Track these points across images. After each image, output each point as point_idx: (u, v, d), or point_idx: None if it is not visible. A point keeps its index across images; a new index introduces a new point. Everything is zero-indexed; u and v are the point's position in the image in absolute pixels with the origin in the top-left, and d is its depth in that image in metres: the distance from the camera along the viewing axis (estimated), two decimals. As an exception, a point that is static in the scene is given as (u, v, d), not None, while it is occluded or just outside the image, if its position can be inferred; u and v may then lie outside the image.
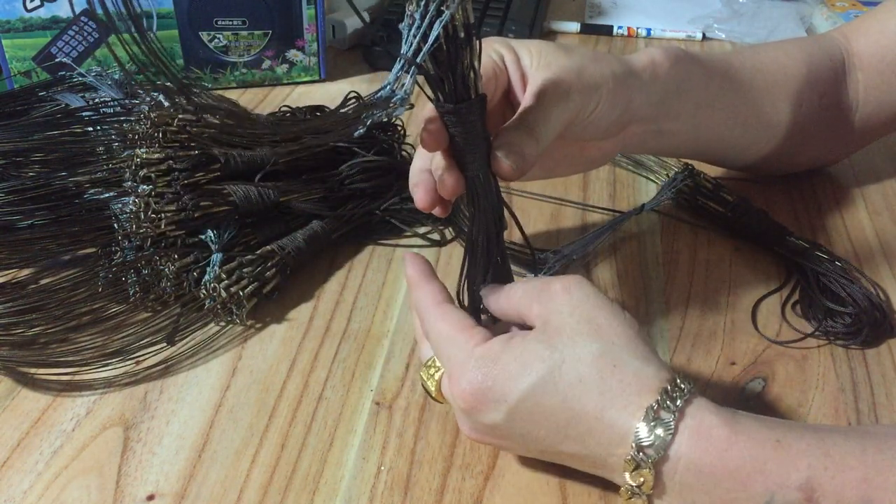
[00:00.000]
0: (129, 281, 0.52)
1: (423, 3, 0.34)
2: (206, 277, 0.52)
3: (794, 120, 0.59)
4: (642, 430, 0.35)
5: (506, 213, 0.43)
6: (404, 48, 0.35)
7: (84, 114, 0.65)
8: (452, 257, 0.59)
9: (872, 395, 0.47)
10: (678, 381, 0.36)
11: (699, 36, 1.00)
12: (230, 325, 0.52)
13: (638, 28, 1.01)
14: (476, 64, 0.37)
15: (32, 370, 0.48)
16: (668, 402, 0.35)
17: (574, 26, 1.02)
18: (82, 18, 0.75)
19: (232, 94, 0.80)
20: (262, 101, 0.81)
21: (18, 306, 0.51)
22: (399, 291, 0.55)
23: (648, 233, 0.61)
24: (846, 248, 0.60)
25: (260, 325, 0.52)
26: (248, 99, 0.81)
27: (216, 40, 0.80)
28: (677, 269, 0.57)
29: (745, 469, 0.34)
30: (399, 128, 0.66)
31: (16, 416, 0.45)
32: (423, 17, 0.34)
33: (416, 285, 0.43)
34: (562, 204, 0.65)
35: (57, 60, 0.76)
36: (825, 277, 0.54)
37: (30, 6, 0.73)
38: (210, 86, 0.81)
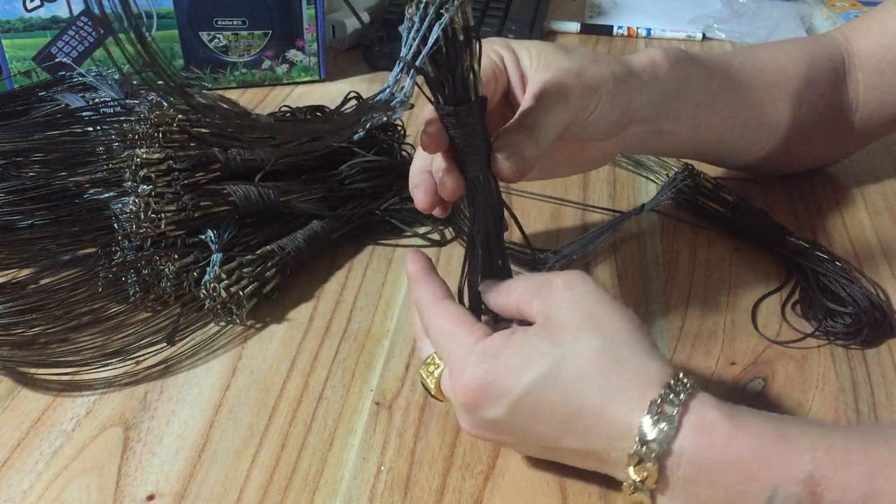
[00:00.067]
0: (129, 281, 0.52)
1: (422, 7, 0.34)
2: (206, 277, 0.52)
3: (794, 120, 0.59)
4: (646, 423, 0.35)
5: (506, 213, 0.43)
6: (404, 51, 0.35)
7: (84, 114, 0.65)
8: (452, 257, 0.59)
9: (872, 395, 0.47)
10: (681, 375, 0.36)
11: (699, 36, 1.00)
12: (230, 325, 0.52)
13: (638, 28, 1.01)
14: (476, 66, 0.37)
15: (32, 370, 0.48)
16: (671, 397, 0.35)
17: (574, 26, 1.02)
18: (82, 18, 0.75)
19: (232, 94, 0.80)
20: (262, 101, 0.81)
21: (18, 306, 0.51)
22: (399, 291, 0.55)
23: (648, 233, 0.61)
24: (846, 248, 0.60)
25: (260, 325, 0.52)
26: (248, 99, 0.81)
27: (216, 40, 0.80)
28: (677, 269, 0.57)
29: (749, 463, 0.34)
30: (399, 128, 0.66)
31: (16, 416, 0.45)
32: (422, 20, 0.34)
33: (416, 282, 0.43)
34: (562, 204, 0.65)
35: (57, 60, 0.76)
36: (825, 277, 0.54)
37: (30, 6, 0.73)
38: (210, 86, 0.81)
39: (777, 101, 0.58)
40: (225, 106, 0.59)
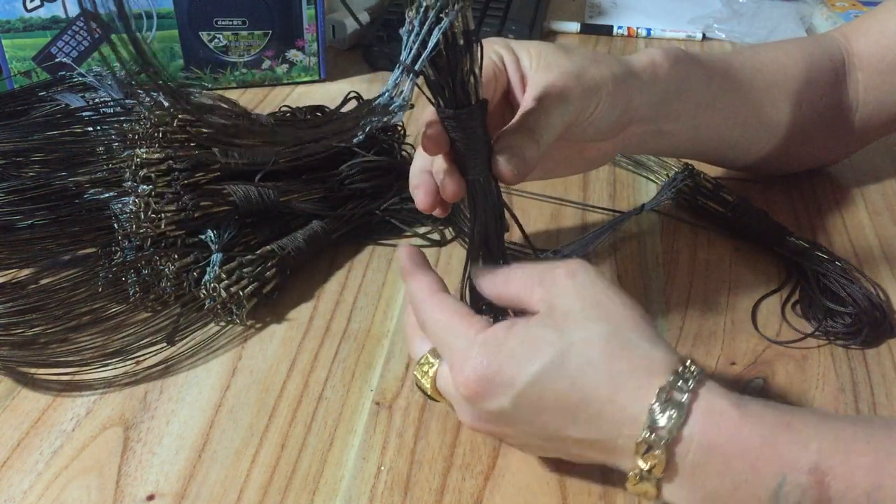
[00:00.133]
0: (129, 281, 0.52)
1: (422, 10, 0.34)
2: (206, 277, 0.52)
3: (794, 120, 0.59)
4: (656, 410, 0.34)
5: (506, 213, 0.43)
6: (404, 54, 0.35)
7: (84, 114, 0.65)
8: (452, 257, 0.59)
9: (872, 395, 0.47)
10: (688, 363, 0.36)
11: (699, 36, 1.00)
12: (230, 325, 0.52)
13: (638, 28, 1.01)
14: (477, 70, 0.37)
15: (32, 370, 0.48)
16: (679, 384, 0.35)
17: (574, 26, 1.02)
18: (82, 18, 0.75)
19: (232, 94, 0.80)
20: (262, 101, 0.81)
21: (18, 306, 0.51)
22: (399, 291, 0.55)
23: (648, 233, 0.61)
24: (846, 248, 0.60)
25: (260, 325, 0.52)
26: (248, 99, 0.81)
27: (216, 40, 0.80)
28: (677, 269, 0.57)
29: (757, 451, 0.34)
30: (399, 128, 0.66)
31: (16, 416, 0.45)
32: (422, 24, 0.34)
33: (410, 276, 0.42)
34: (562, 204, 0.65)
35: (57, 60, 0.76)
36: (825, 277, 0.54)
37: (30, 6, 0.73)
38: (210, 86, 0.81)
39: (777, 101, 0.58)
40: (225, 105, 0.59)
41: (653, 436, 0.34)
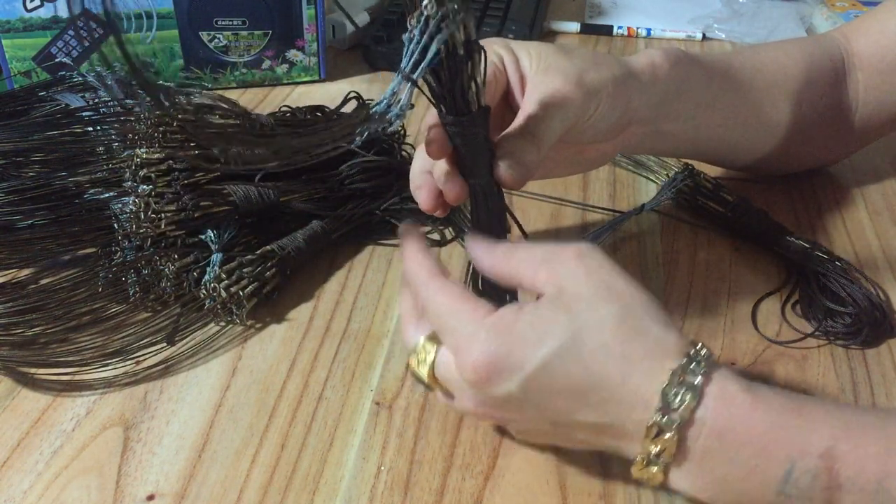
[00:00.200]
0: (129, 281, 0.52)
1: (423, 19, 0.34)
2: (206, 277, 0.52)
3: (794, 120, 0.59)
4: (669, 393, 0.34)
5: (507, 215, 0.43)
6: (404, 62, 0.35)
7: (84, 114, 0.65)
8: (452, 257, 0.59)
9: (872, 395, 0.47)
10: (699, 346, 0.36)
11: (699, 36, 1.00)
12: (230, 325, 0.52)
13: (638, 28, 1.01)
14: (479, 79, 0.37)
15: (32, 370, 0.48)
16: (692, 367, 0.35)
17: (574, 26, 1.02)
18: (82, 18, 0.75)
19: (232, 94, 0.80)
20: (262, 101, 0.81)
21: (18, 306, 0.51)
22: (399, 291, 0.55)
23: (648, 233, 0.61)
24: (846, 248, 0.60)
25: (260, 325, 0.52)
26: (248, 99, 0.81)
27: (216, 40, 0.80)
28: (677, 269, 0.57)
29: (768, 435, 0.34)
30: (399, 128, 0.66)
31: (16, 416, 0.45)
32: (422, 33, 0.34)
33: (411, 257, 0.41)
34: (562, 204, 0.65)
35: (57, 60, 0.76)
36: (825, 277, 0.54)
37: (30, 6, 0.73)
38: (210, 86, 0.81)
39: (777, 102, 0.58)
40: (225, 105, 0.59)
41: (664, 419, 0.34)
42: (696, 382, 0.34)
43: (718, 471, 0.35)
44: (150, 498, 0.41)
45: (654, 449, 0.35)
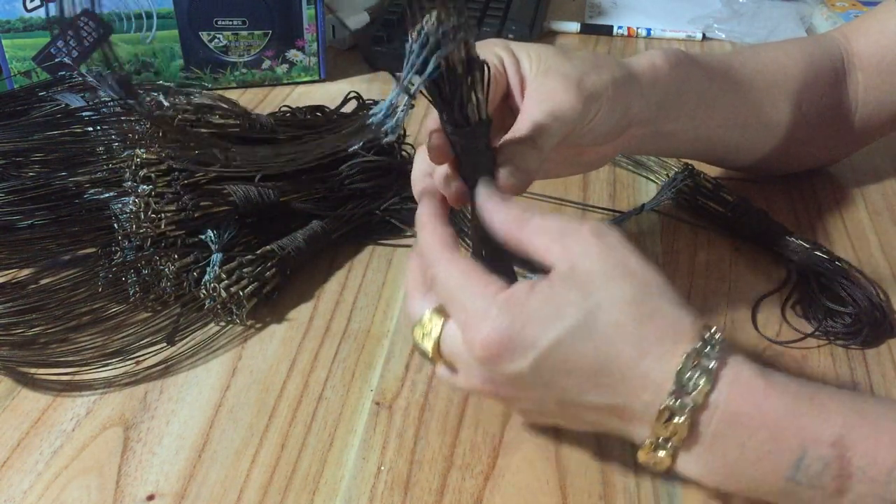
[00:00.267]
0: (129, 281, 0.52)
1: (422, 35, 0.34)
2: (206, 277, 0.52)
3: (795, 120, 0.59)
4: (683, 376, 0.34)
5: None
6: (403, 75, 0.35)
7: (84, 114, 0.65)
8: (452, 257, 0.59)
9: (872, 396, 0.47)
10: (713, 330, 0.35)
11: (699, 36, 1.00)
12: (230, 325, 0.52)
13: (638, 28, 1.01)
14: (479, 95, 0.37)
15: (32, 370, 0.48)
16: (707, 350, 0.34)
17: (574, 26, 1.02)
18: (82, 18, 0.75)
19: (232, 94, 0.80)
20: (262, 101, 0.81)
21: (18, 306, 0.51)
22: (399, 291, 0.55)
23: (648, 233, 0.61)
24: (846, 248, 0.60)
25: (260, 325, 0.52)
26: (248, 99, 0.81)
27: (216, 40, 0.80)
28: (677, 269, 0.57)
29: (781, 421, 0.33)
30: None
31: (16, 416, 0.45)
32: (421, 48, 0.34)
33: (426, 226, 0.39)
34: (562, 204, 0.65)
35: (57, 60, 0.76)
36: (825, 277, 0.54)
37: (30, 6, 0.73)
38: (210, 86, 0.81)
39: (777, 102, 0.58)
40: (225, 105, 0.59)
41: (677, 402, 0.34)
42: (710, 366, 0.34)
43: (728, 456, 0.34)
44: (150, 498, 0.41)
45: (665, 433, 0.34)
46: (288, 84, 0.85)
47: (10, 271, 0.55)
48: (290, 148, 0.36)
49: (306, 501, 0.41)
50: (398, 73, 0.35)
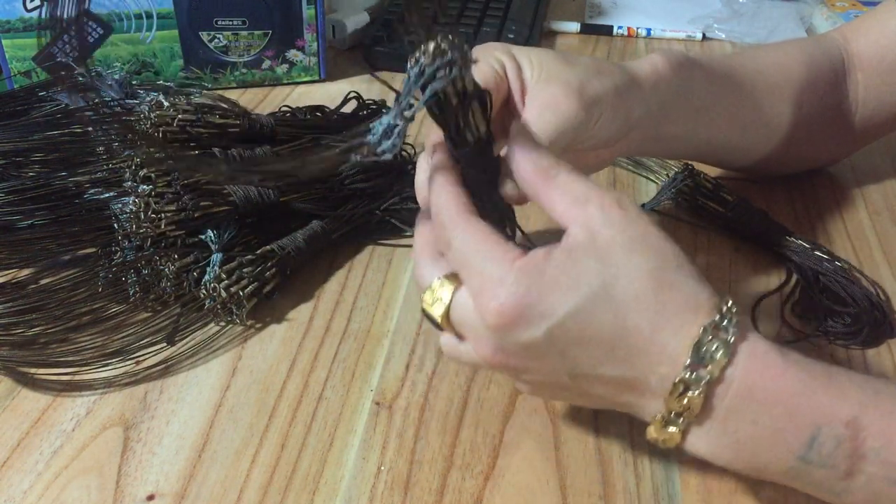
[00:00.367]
0: (129, 281, 0.52)
1: (418, 66, 0.33)
2: (206, 277, 0.52)
3: (795, 121, 0.59)
4: (701, 348, 0.34)
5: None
6: (402, 99, 0.35)
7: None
8: (452, 257, 0.59)
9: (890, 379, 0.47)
10: (730, 303, 0.35)
11: (699, 36, 1.00)
12: (230, 325, 0.52)
13: (638, 28, 1.01)
14: (479, 125, 0.37)
15: (32, 370, 0.48)
16: (724, 323, 0.34)
17: (574, 26, 1.02)
18: (82, 19, 0.75)
19: (232, 94, 0.80)
20: (262, 101, 0.81)
21: (18, 306, 0.51)
22: (399, 291, 0.55)
23: (648, 233, 0.61)
24: (846, 248, 0.60)
25: (260, 325, 0.52)
26: (248, 99, 0.81)
27: (216, 40, 0.80)
28: (677, 269, 0.57)
29: (796, 397, 0.33)
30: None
31: (16, 416, 0.45)
32: (418, 77, 0.33)
33: (441, 190, 0.38)
34: (562, 204, 0.65)
35: (57, 60, 0.76)
36: (825, 277, 0.54)
37: (30, 6, 0.73)
38: (210, 86, 0.81)
39: (777, 103, 0.58)
40: (225, 106, 0.59)
41: (693, 375, 0.33)
42: (729, 339, 0.34)
43: (741, 432, 0.34)
44: (150, 498, 0.41)
45: (678, 407, 0.34)
46: (288, 84, 0.85)
47: (10, 271, 0.55)
48: (288, 164, 0.36)
49: (306, 501, 0.41)
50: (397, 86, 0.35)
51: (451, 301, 0.38)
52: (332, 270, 0.57)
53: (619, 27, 1.01)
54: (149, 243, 0.53)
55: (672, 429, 0.35)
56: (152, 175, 0.54)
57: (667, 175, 0.66)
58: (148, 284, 0.52)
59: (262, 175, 0.37)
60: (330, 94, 0.83)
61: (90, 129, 0.63)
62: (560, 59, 0.45)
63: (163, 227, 0.53)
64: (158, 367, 0.49)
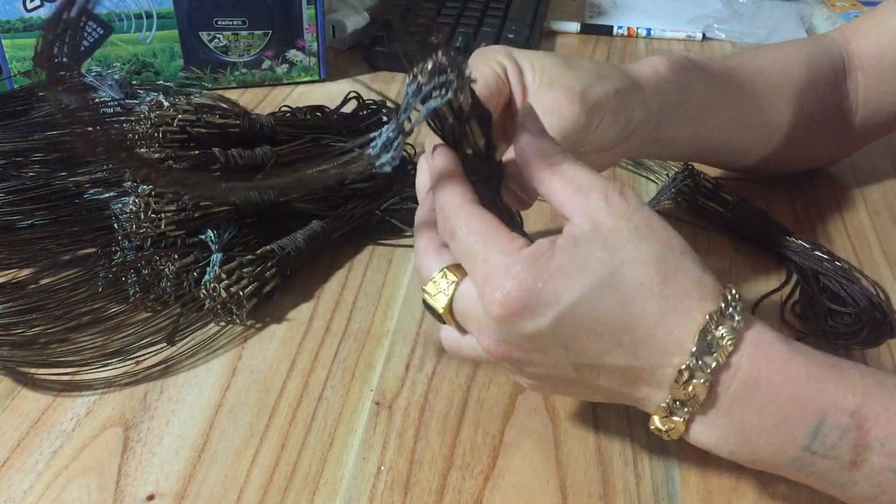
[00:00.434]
0: (129, 281, 0.52)
1: (415, 84, 0.33)
2: (206, 277, 0.52)
3: (795, 122, 0.59)
4: (707, 335, 0.33)
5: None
6: (400, 114, 0.35)
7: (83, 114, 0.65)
8: (452, 257, 0.59)
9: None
10: (734, 292, 0.35)
11: (699, 36, 1.00)
12: (230, 325, 0.52)
13: (638, 28, 1.01)
14: (478, 139, 0.37)
15: (32, 370, 0.48)
16: (729, 311, 0.34)
17: (574, 26, 1.02)
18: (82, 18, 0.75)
19: (232, 94, 0.80)
20: (262, 101, 0.81)
21: (18, 306, 0.51)
22: (399, 291, 0.55)
23: (648, 233, 0.61)
24: (846, 248, 0.60)
25: (260, 325, 0.52)
26: (248, 99, 0.81)
27: (216, 40, 0.80)
28: (677, 269, 0.57)
29: (802, 387, 0.33)
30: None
31: (16, 416, 0.45)
32: (415, 94, 0.33)
33: (444, 180, 0.38)
34: (562, 204, 0.65)
35: (57, 60, 0.76)
36: (825, 277, 0.54)
37: (30, 6, 0.73)
38: (210, 86, 0.81)
39: (778, 104, 0.58)
40: (225, 106, 0.59)
41: (698, 362, 0.33)
42: (735, 326, 0.34)
43: (746, 421, 0.34)
44: (150, 498, 0.41)
45: (682, 395, 0.34)
46: (288, 84, 0.85)
47: (10, 271, 0.55)
48: (286, 180, 0.36)
49: (306, 501, 0.41)
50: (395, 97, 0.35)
51: (454, 292, 0.37)
52: (332, 270, 0.57)
53: (619, 27, 1.01)
54: (149, 243, 0.53)
55: (676, 418, 0.35)
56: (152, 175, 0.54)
57: (667, 175, 0.66)
58: (148, 284, 0.52)
59: (261, 192, 0.37)
60: (330, 94, 0.83)
61: (89, 129, 0.63)
62: (562, 64, 0.45)
63: (163, 227, 0.53)
64: (158, 367, 0.49)
